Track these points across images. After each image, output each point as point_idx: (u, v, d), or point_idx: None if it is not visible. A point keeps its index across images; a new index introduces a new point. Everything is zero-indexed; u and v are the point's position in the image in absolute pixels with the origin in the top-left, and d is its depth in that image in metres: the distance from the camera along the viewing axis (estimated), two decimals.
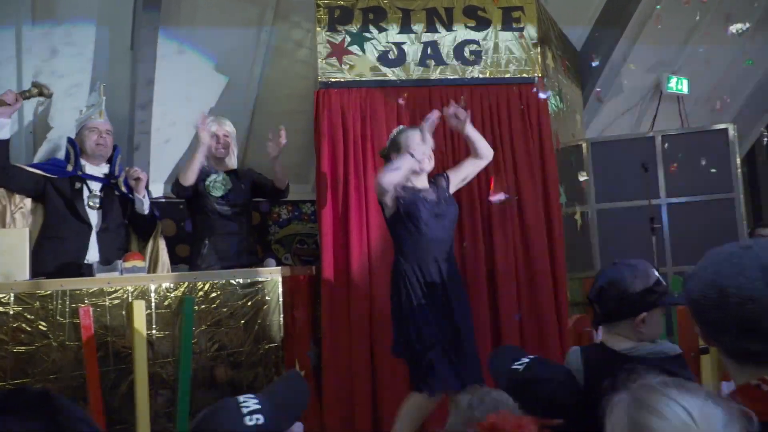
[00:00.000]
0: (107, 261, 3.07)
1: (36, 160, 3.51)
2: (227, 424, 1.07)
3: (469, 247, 3.42)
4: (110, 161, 3.39)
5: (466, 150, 3.19)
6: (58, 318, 2.59)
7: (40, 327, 2.54)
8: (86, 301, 2.64)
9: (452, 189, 3.00)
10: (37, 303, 2.55)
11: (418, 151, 2.80)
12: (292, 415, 1.18)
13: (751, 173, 7.24)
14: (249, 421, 1.07)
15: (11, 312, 2.48)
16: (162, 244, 3.41)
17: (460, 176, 3.03)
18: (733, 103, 6.11)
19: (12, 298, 2.49)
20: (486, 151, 3.01)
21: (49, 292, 2.58)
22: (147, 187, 3.35)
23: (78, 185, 3.24)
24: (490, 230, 3.44)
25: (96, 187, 3.29)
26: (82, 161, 3.31)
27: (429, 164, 2.90)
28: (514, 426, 1.17)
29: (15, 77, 3.44)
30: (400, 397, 2.84)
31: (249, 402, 1.10)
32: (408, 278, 2.74)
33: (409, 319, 2.70)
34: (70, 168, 3.28)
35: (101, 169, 3.35)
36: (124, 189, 3.34)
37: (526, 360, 1.79)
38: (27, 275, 2.66)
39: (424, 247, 2.77)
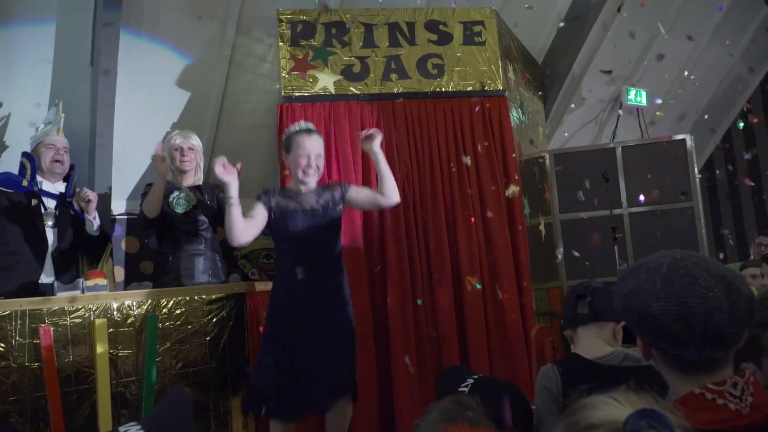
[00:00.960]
0: (63, 281, 3.02)
1: None
2: None
3: (436, 258, 3.45)
4: (66, 179, 3.34)
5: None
6: (17, 338, 2.53)
7: None
8: (47, 321, 2.59)
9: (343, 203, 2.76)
10: None
11: (302, 159, 2.62)
12: None
13: (710, 181, 7.45)
14: None
15: None
16: (111, 266, 3.39)
17: (359, 196, 2.79)
18: (690, 115, 6.30)
19: None
20: (391, 193, 2.72)
21: (7, 312, 2.52)
22: (97, 209, 3.29)
23: (35, 202, 3.17)
24: (456, 242, 3.48)
25: (51, 204, 3.24)
26: (39, 178, 3.25)
27: (313, 180, 2.67)
28: None
29: None
30: (363, 410, 2.85)
31: (131, 430, 1.06)
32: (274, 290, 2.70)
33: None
34: (25, 183, 3.21)
35: (57, 187, 3.29)
36: (77, 207, 3.29)
37: (471, 380, 1.79)
38: None
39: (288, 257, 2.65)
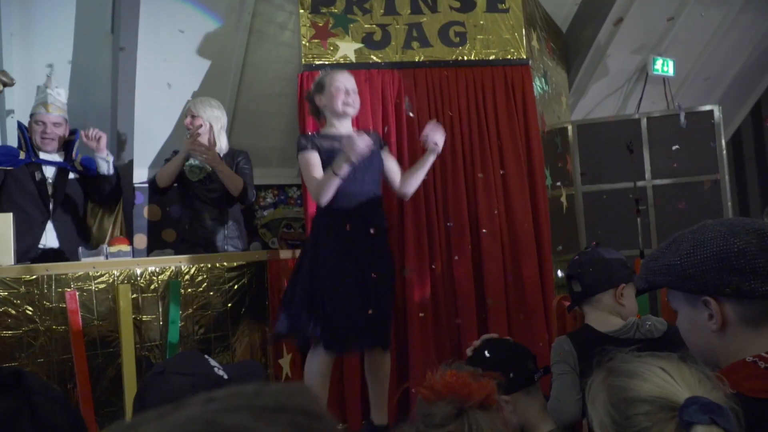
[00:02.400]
0: (69, 249, 3.07)
1: None
2: (199, 368, 1.10)
3: (455, 229, 3.43)
4: (66, 148, 3.34)
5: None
6: (44, 302, 2.59)
7: (27, 311, 2.54)
8: (72, 286, 2.64)
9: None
10: (23, 288, 2.54)
11: (339, 92, 2.69)
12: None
13: (736, 154, 7.30)
14: (217, 371, 1.10)
15: None
16: (121, 221, 3.42)
17: (387, 159, 2.87)
18: (719, 85, 6.14)
19: None
20: (410, 188, 2.84)
21: (34, 276, 2.57)
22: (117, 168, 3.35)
23: (39, 175, 3.21)
24: (476, 212, 3.46)
25: (50, 173, 3.26)
26: (35, 148, 3.26)
27: (352, 110, 2.77)
28: (471, 386, 1.18)
29: None
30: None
31: (213, 361, 1.13)
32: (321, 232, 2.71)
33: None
34: (22, 155, 3.23)
35: (53, 157, 3.31)
36: (80, 167, 3.29)
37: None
38: (12, 260, 2.65)
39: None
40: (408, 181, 2.81)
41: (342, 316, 2.57)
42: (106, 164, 3.27)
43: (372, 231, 2.68)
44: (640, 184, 4.32)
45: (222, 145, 3.48)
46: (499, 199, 3.48)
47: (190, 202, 3.42)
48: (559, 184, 4.18)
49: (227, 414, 0.36)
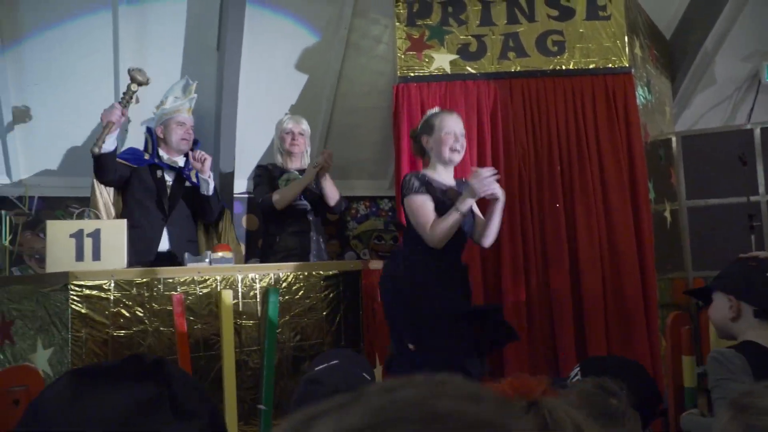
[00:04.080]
0: (179, 251, 3.22)
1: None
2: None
3: (552, 242, 3.33)
4: (187, 155, 3.50)
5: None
6: (153, 305, 2.71)
7: (137, 313, 2.68)
8: (178, 290, 2.76)
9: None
10: (134, 290, 2.68)
11: (448, 136, 2.61)
12: None
13: None
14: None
15: (111, 298, 2.62)
16: (235, 236, 3.54)
17: (477, 212, 2.79)
18: None
19: (112, 285, 2.63)
20: (489, 239, 2.70)
21: (146, 279, 2.71)
22: (217, 185, 3.51)
23: (159, 174, 3.38)
24: (574, 226, 3.34)
25: (170, 178, 3.43)
26: (161, 152, 3.43)
27: (459, 156, 2.68)
28: (530, 381, 1.13)
29: (112, 64, 3.61)
30: None
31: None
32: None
33: None
34: (147, 157, 3.41)
35: (176, 161, 3.47)
36: (195, 180, 3.43)
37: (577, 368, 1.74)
38: (125, 263, 2.81)
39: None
40: (484, 234, 2.69)
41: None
42: (206, 185, 3.41)
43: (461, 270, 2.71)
44: (753, 198, 4.04)
45: (307, 161, 3.69)
46: (599, 213, 3.35)
47: (279, 214, 3.52)
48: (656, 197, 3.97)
49: (433, 399, 0.35)
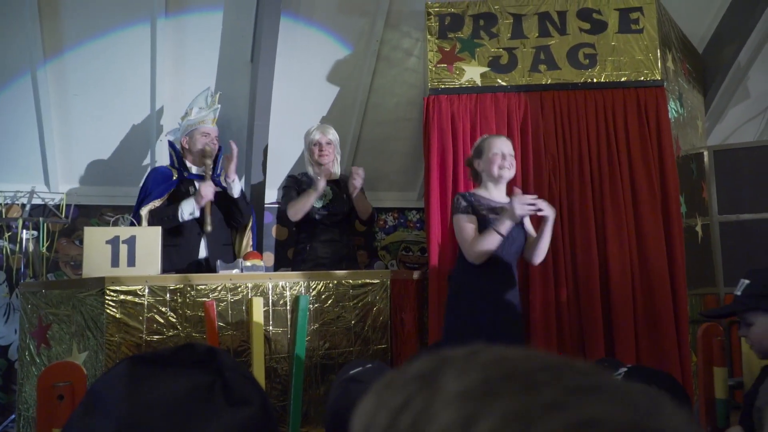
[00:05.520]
0: (214, 259, 3.25)
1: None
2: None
3: (582, 256, 3.31)
4: (214, 162, 3.52)
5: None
6: (186, 311, 2.75)
7: (170, 318, 2.72)
8: (210, 297, 2.80)
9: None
10: (168, 296, 2.73)
11: (496, 156, 2.72)
12: None
13: None
14: None
15: (145, 303, 2.67)
16: (249, 239, 3.56)
17: (528, 228, 2.84)
18: None
19: (147, 291, 2.68)
20: (539, 257, 2.78)
21: (180, 286, 2.76)
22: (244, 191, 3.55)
23: (192, 190, 3.39)
24: (604, 239, 3.32)
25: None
26: (187, 163, 3.46)
27: (509, 173, 2.76)
28: None
29: (149, 76, 3.69)
30: None
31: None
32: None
33: None
34: (175, 176, 3.43)
35: (201, 171, 3.48)
36: (224, 184, 3.45)
37: (624, 369, 1.72)
38: (159, 269, 2.86)
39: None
40: (534, 252, 2.77)
41: None
42: (233, 187, 3.43)
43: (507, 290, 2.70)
44: None
45: (337, 169, 3.66)
46: (629, 226, 3.32)
47: (310, 224, 3.55)
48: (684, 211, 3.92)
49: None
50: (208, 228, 3.28)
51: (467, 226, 2.68)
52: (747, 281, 1.81)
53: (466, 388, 0.37)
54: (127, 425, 0.71)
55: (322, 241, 3.53)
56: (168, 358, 0.76)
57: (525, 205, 2.56)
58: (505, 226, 2.59)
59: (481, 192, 2.79)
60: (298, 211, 3.45)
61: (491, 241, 2.60)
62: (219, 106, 3.55)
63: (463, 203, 2.72)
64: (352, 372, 1.35)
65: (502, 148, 2.75)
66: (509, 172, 2.76)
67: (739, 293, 1.82)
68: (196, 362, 0.76)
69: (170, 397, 0.72)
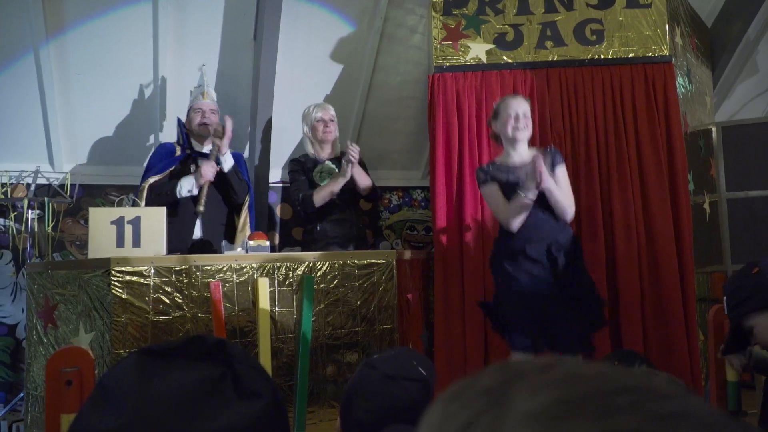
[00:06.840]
0: (211, 238, 3.24)
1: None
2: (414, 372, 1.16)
3: (589, 233, 3.29)
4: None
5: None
6: (191, 291, 2.76)
7: (176, 299, 2.73)
8: (216, 277, 2.80)
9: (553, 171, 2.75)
10: (173, 276, 2.73)
11: (510, 117, 2.71)
12: None
13: None
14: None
15: (151, 284, 2.68)
16: (246, 217, 3.56)
17: (559, 179, 2.75)
18: None
19: (152, 271, 2.69)
20: (567, 214, 2.71)
21: (185, 267, 2.76)
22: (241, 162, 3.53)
23: (193, 168, 3.40)
24: (611, 216, 3.30)
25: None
26: (193, 141, 3.47)
27: (522, 134, 2.73)
28: None
29: (152, 55, 3.65)
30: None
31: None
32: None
33: None
34: (178, 152, 3.44)
35: (205, 149, 3.48)
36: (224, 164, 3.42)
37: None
38: (164, 250, 2.86)
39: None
40: (558, 211, 2.72)
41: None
42: (224, 162, 3.41)
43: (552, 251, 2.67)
44: None
45: (338, 146, 3.67)
46: (636, 204, 3.30)
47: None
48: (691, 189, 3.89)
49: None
50: (201, 208, 3.27)
51: (493, 195, 2.74)
52: (725, 297, 1.79)
53: (537, 409, 0.35)
54: (136, 418, 0.70)
55: (332, 221, 3.52)
56: (177, 350, 0.75)
57: (540, 171, 2.55)
58: (531, 191, 2.59)
59: (499, 159, 2.83)
60: (323, 198, 3.44)
61: (520, 206, 2.62)
62: (206, 79, 3.52)
63: (482, 176, 2.78)
64: (374, 357, 1.36)
65: (516, 108, 2.74)
66: (523, 134, 2.74)
67: (726, 312, 1.81)
68: (205, 354, 0.75)
69: (180, 389, 0.71)
